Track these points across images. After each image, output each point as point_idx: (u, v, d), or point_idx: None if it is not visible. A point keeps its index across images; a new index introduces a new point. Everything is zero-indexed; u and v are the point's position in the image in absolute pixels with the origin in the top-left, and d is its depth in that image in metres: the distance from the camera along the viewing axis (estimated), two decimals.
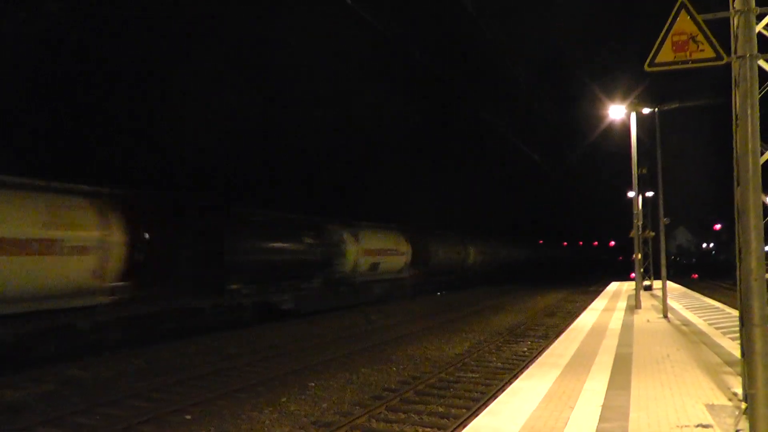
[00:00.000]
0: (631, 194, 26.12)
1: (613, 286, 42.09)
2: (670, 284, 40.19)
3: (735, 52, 5.58)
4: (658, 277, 29.33)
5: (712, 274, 68.39)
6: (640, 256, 26.97)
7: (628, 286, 39.43)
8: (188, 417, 10.68)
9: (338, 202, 43.82)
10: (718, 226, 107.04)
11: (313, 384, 13.09)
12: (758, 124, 5.52)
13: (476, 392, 12.37)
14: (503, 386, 11.84)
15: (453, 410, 10.96)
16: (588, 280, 58.25)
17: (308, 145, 41.45)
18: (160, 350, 16.74)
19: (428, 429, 10.00)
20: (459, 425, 9.56)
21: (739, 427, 7.24)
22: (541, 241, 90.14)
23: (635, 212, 25.34)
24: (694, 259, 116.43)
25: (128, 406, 11.41)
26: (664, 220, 22.99)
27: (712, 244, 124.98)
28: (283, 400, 11.74)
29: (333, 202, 43.19)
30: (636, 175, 24.84)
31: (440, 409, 11.05)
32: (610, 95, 24.01)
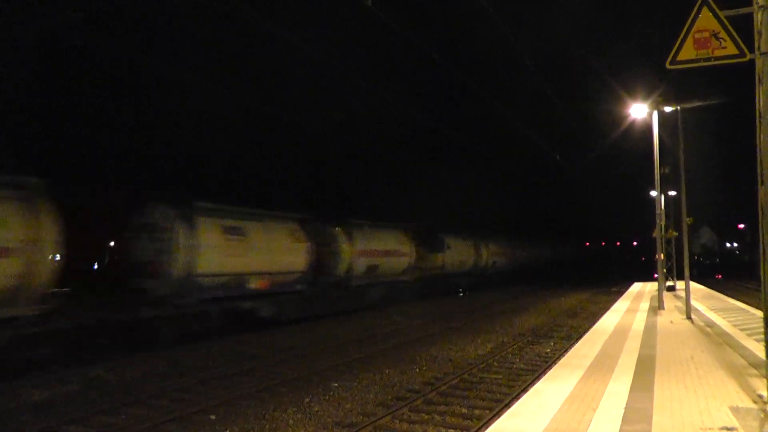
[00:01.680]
0: (653, 193, 25.86)
1: (636, 286, 41.71)
2: (693, 285, 39.73)
3: (759, 49, 5.51)
4: (681, 277, 29.01)
5: (736, 274, 67.54)
6: (663, 256, 26.75)
7: (651, 287, 39.07)
8: (213, 417, 10.78)
9: (341, 201, 43.21)
10: (742, 225, 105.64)
11: (336, 384, 13.14)
12: None
13: (499, 393, 12.36)
14: (526, 387, 11.78)
15: (476, 411, 10.96)
16: (610, 281, 57.74)
17: (311, 141, 40.95)
18: (181, 352, 16.83)
19: (451, 430, 10.01)
20: (482, 426, 9.56)
21: (764, 430, 7.15)
22: (562, 241, 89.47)
23: (658, 212, 25.11)
24: (718, 259, 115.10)
25: (153, 405, 11.57)
26: (687, 220, 22.75)
27: (735, 244, 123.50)
28: (307, 400, 11.80)
29: (335, 201, 42.66)
30: (658, 174, 24.61)
31: (463, 410, 11.04)
32: (633, 94, 23.84)
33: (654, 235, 25.57)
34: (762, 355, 5.16)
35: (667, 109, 22.80)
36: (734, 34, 5.76)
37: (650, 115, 23.84)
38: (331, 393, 12.43)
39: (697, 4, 5.82)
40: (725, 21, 5.79)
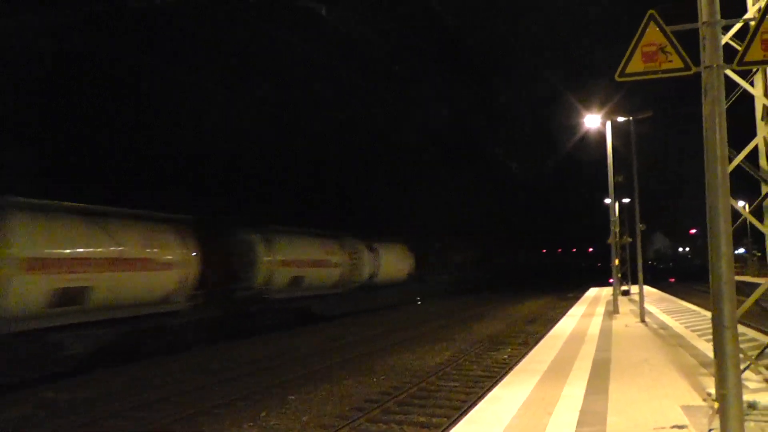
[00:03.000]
0: (607, 201, 26.42)
1: (592, 291, 42.43)
2: (647, 289, 40.50)
3: (703, 63, 5.70)
4: (635, 282, 29.65)
5: (688, 277, 69.19)
6: (617, 261, 27.30)
7: (606, 292, 39.75)
8: None
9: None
10: (693, 231, 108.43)
11: (293, 397, 13.06)
12: (726, 131, 5.64)
13: (457, 401, 12.44)
14: (483, 394, 11.88)
15: (434, 419, 11.00)
16: (567, 287, 58.58)
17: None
18: (143, 368, 16.58)
19: None
20: None
21: (712, 427, 7.37)
22: (518, 248, 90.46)
23: (612, 219, 25.67)
24: (671, 264, 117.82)
25: (109, 426, 11.29)
26: (640, 226, 23.27)
27: (688, 249, 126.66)
28: (263, 414, 11.70)
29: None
30: (612, 182, 25.17)
31: (421, 419, 11.08)
32: (588, 104, 24.44)
33: (609, 241, 26.11)
34: (712, 354, 5.35)
35: (620, 119, 23.36)
36: (680, 48, 5.95)
37: (604, 124, 24.41)
38: (288, 406, 12.35)
39: (645, 19, 5.99)
40: (671, 36, 5.97)
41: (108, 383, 14.82)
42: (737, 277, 6.04)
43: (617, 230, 26.49)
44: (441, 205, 57.57)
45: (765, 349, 8.02)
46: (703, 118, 5.68)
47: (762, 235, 7.90)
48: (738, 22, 7.42)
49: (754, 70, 7.88)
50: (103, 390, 14.15)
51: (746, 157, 7.82)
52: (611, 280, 27.35)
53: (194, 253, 20.80)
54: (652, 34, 6.11)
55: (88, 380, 14.96)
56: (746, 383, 9.40)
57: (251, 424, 11.08)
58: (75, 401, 13.13)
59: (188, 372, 16.19)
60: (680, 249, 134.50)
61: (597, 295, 38.53)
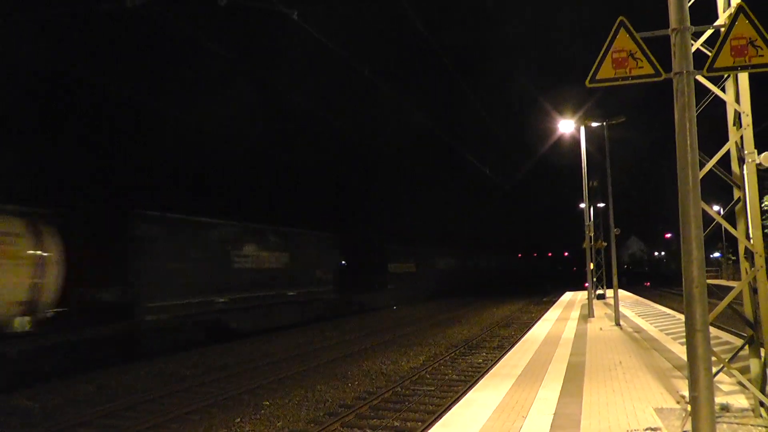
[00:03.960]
0: (582, 206, 26.64)
1: (567, 295, 42.73)
2: (622, 293, 41.02)
3: (673, 69, 5.75)
4: (610, 285, 29.92)
5: (663, 281, 70.02)
6: (592, 265, 27.50)
7: (582, 296, 40.08)
8: None
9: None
10: (668, 235, 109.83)
11: (267, 403, 12.94)
12: (696, 137, 5.68)
13: (431, 405, 12.41)
14: (458, 398, 11.87)
15: (408, 424, 10.97)
16: (543, 291, 58.93)
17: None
18: (108, 375, 16.21)
19: None
20: None
21: (685, 428, 7.43)
22: (494, 253, 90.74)
23: (587, 224, 25.87)
24: (646, 268, 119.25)
25: None
26: (615, 231, 23.48)
27: (663, 252, 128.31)
28: (238, 420, 11.57)
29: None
30: (586, 187, 25.39)
31: (395, 423, 11.03)
32: (562, 110, 24.65)
33: (584, 246, 26.32)
34: (685, 357, 5.39)
35: (594, 124, 23.58)
36: (650, 54, 5.98)
37: (578, 130, 24.63)
38: (263, 411, 12.21)
39: (615, 26, 6.02)
40: (641, 42, 6.00)
41: (75, 390, 14.51)
42: (712, 281, 6.12)
43: (592, 234, 26.70)
44: (412, 208, 57.82)
45: (738, 352, 8.10)
46: (675, 124, 5.72)
47: (736, 239, 7.99)
48: (708, 28, 7.49)
49: (726, 76, 7.97)
50: (71, 397, 13.87)
51: (720, 163, 7.91)
52: (586, 284, 27.56)
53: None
54: (623, 41, 6.14)
55: (51, 388, 14.62)
56: (720, 386, 9.53)
57: (225, 430, 10.95)
58: (48, 408, 12.87)
59: (158, 378, 15.95)
60: (656, 253, 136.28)
61: (572, 299, 38.80)
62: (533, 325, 23.45)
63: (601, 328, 19.91)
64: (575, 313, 26.76)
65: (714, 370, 6.04)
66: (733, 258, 49.06)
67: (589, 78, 6.08)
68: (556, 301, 38.45)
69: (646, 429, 7.72)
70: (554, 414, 8.66)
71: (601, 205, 37.23)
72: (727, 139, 8.03)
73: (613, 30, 6.00)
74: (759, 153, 7.67)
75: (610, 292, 32.90)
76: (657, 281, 73.44)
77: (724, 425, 7.56)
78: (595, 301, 28.64)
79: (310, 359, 18.61)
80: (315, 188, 51.08)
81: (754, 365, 7.86)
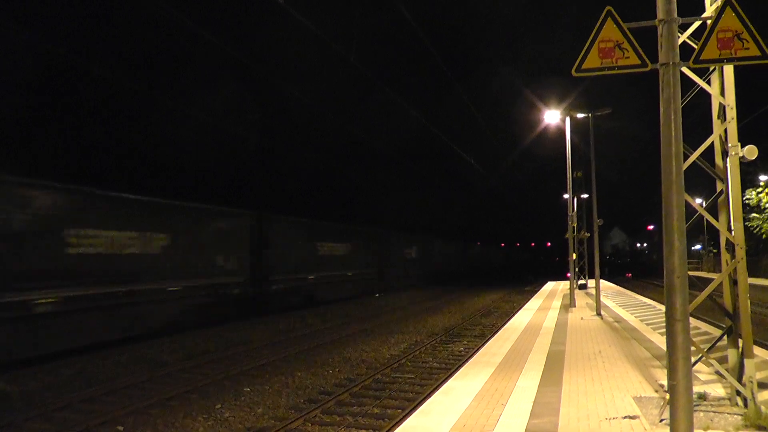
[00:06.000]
0: (566, 196, 26.76)
1: (549, 285, 43.06)
2: (604, 283, 41.40)
3: (659, 60, 5.73)
4: (592, 276, 30.18)
5: (645, 272, 70.74)
6: (575, 256, 27.71)
7: (563, 286, 40.37)
8: (120, 428, 10.36)
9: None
10: (651, 227, 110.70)
11: (248, 389, 12.90)
12: (681, 129, 5.68)
13: (411, 392, 12.44)
14: (438, 386, 11.91)
15: (388, 411, 10.98)
16: (525, 281, 59.30)
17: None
18: (91, 359, 16.14)
19: (362, 430, 9.98)
20: (393, 426, 9.57)
21: (663, 417, 7.50)
22: (476, 243, 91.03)
23: (570, 214, 26.00)
24: (628, 259, 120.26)
25: (58, 418, 10.96)
26: (597, 221, 23.62)
27: (645, 244, 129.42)
28: (218, 406, 11.52)
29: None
30: (570, 177, 25.48)
31: (375, 411, 11.05)
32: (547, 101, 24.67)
33: (566, 236, 26.46)
34: (665, 347, 5.43)
35: (579, 115, 23.65)
36: (636, 45, 5.96)
37: (563, 120, 24.68)
38: (243, 398, 12.18)
39: (602, 16, 6.00)
40: (628, 32, 5.99)
41: (54, 374, 14.40)
42: (693, 273, 6.17)
43: (575, 225, 26.85)
44: (396, 198, 57.73)
45: (717, 342, 8.18)
46: (660, 115, 5.71)
47: (718, 232, 8.04)
48: (696, 20, 7.49)
49: (711, 68, 7.98)
50: (53, 381, 13.77)
51: (703, 155, 7.93)
52: (568, 275, 27.74)
53: None
54: (609, 31, 6.11)
55: (35, 372, 14.50)
56: (698, 375, 9.65)
57: (206, 416, 10.89)
58: (27, 392, 12.74)
59: (137, 363, 15.84)
60: (638, 245, 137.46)
61: (554, 288, 39.08)
62: (514, 314, 23.58)
63: (582, 318, 20.06)
64: (557, 303, 26.94)
65: (693, 359, 6.09)
66: (714, 251, 49.54)
67: (575, 67, 6.05)
68: (538, 290, 38.71)
69: (625, 417, 7.78)
70: (534, 402, 8.71)
71: (585, 196, 37.45)
72: (711, 132, 8.06)
73: (600, 20, 5.98)
74: (742, 146, 7.71)
75: (591, 283, 33.18)
76: (639, 272, 74.17)
77: (701, 413, 7.63)
78: (576, 291, 28.85)
79: (291, 346, 18.56)
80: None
81: (732, 355, 7.94)
